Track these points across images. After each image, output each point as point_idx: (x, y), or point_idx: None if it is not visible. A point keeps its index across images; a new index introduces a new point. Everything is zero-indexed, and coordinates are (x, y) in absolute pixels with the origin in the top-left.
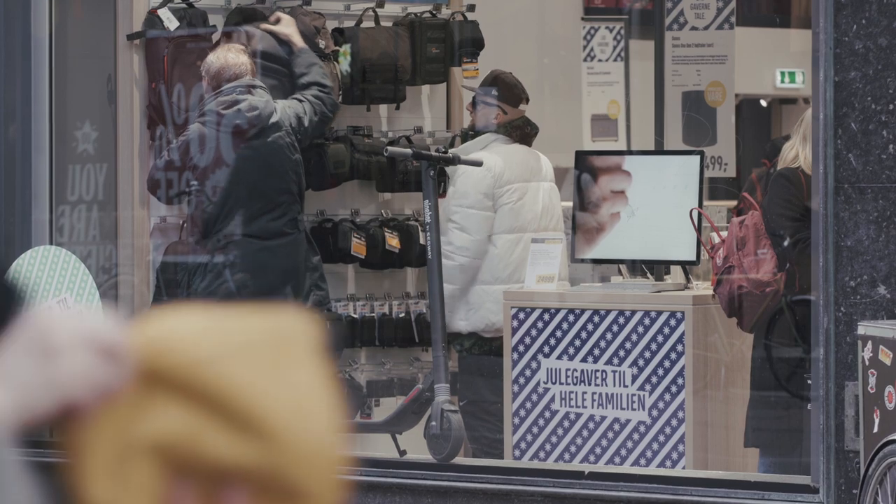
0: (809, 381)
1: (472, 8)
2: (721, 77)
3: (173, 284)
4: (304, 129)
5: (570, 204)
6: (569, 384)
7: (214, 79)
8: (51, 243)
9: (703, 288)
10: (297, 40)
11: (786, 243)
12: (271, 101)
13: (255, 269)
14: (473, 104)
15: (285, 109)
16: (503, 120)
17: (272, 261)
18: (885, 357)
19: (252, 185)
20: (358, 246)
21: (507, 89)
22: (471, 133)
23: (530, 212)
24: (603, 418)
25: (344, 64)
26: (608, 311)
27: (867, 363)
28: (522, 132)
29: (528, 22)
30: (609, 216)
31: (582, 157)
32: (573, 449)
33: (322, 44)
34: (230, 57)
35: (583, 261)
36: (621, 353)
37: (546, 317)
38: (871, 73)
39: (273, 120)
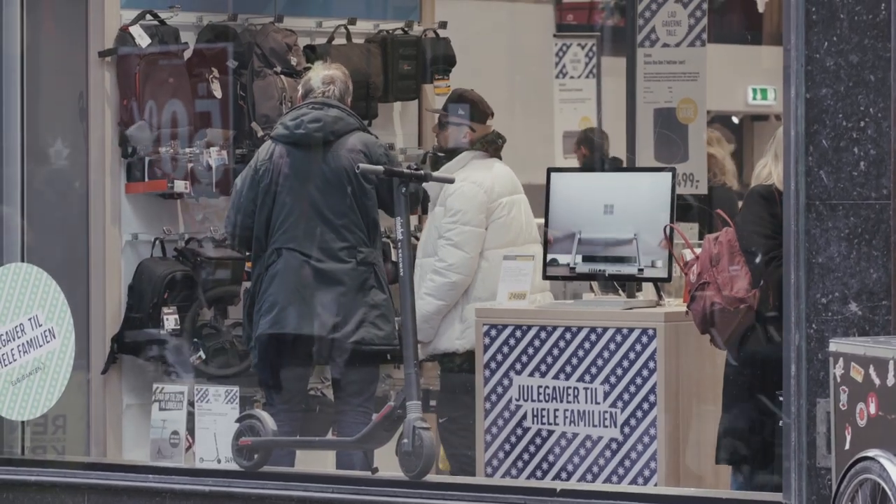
0: (781, 398)
1: (443, 25)
2: (693, 94)
3: (145, 301)
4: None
5: (542, 221)
6: (541, 401)
7: (300, 95)
8: (22, 260)
9: (674, 305)
10: None
11: (759, 260)
12: (350, 123)
13: (293, 284)
14: (440, 125)
15: (375, 146)
16: (474, 137)
17: (311, 280)
18: (857, 374)
19: (310, 200)
20: None
21: (475, 107)
22: (441, 154)
23: (519, 225)
24: (575, 435)
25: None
26: (580, 328)
27: (839, 380)
28: (496, 146)
29: (500, 39)
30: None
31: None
32: (545, 466)
33: (294, 61)
34: (313, 76)
35: (554, 278)
36: (593, 369)
37: (518, 334)
38: (843, 90)
39: (346, 141)
